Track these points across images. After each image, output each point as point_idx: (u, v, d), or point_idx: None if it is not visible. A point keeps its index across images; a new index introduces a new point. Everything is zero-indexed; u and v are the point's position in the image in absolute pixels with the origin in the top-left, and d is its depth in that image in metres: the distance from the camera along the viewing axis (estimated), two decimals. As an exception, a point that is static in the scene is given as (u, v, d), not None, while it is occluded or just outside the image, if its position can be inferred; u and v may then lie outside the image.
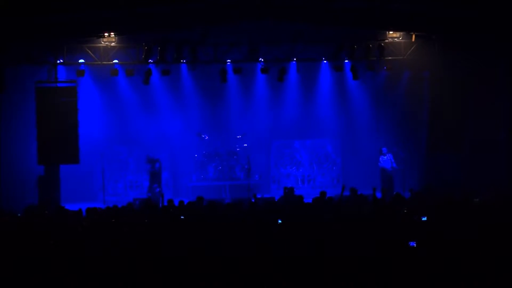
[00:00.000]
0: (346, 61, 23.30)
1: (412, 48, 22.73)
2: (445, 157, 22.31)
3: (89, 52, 21.92)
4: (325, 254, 9.75)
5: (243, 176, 24.11)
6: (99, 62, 22.10)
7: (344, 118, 25.23)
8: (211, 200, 16.41)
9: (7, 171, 20.88)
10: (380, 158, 22.66)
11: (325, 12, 20.31)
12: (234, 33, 22.11)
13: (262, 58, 22.73)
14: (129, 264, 9.68)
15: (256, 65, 23.13)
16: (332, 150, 25.32)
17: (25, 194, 20.82)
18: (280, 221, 13.02)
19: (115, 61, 22.18)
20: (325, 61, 23.96)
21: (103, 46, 21.98)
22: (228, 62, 22.92)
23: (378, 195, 17.42)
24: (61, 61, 21.86)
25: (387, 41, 22.74)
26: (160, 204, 16.72)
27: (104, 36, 21.67)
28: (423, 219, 13.02)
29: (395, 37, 22.79)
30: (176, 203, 16.26)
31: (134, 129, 24.26)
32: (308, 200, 16.54)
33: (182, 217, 13.64)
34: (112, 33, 21.55)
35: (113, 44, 21.99)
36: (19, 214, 15.57)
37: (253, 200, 16.75)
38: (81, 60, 22.09)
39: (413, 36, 22.63)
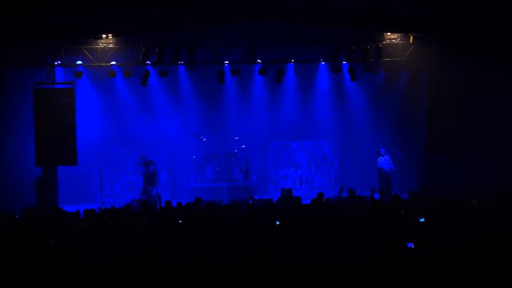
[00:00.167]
0: (344, 62, 23.30)
1: (410, 49, 22.75)
2: (443, 159, 22.32)
3: (87, 53, 21.93)
4: (323, 256, 9.75)
5: (241, 177, 24.10)
6: (97, 64, 22.10)
7: (342, 119, 25.23)
8: (209, 202, 16.40)
9: (5, 173, 20.84)
10: (378, 159, 22.66)
11: (324, 12, 20.34)
12: (231, 34, 22.12)
13: (259, 59, 22.73)
14: (127, 265, 9.67)
15: (254, 66, 23.14)
16: (330, 151, 25.31)
17: (23, 195, 20.77)
18: (278, 223, 13.02)
19: (113, 62, 22.18)
20: (323, 63, 23.96)
21: (101, 47, 21.99)
22: (226, 63, 22.92)
23: (376, 196, 17.44)
24: (59, 62, 21.87)
25: (385, 42, 22.76)
26: (158, 206, 16.72)
27: (102, 38, 21.68)
28: (421, 220, 13.03)
29: (393, 39, 22.82)
30: (174, 204, 16.26)
31: (132, 131, 24.25)
32: (306, 201, 16.55)
33: (180, 221, 13.61)
34: (110, 35, 21.56)
35: (111, 45, 21.99)
36: (17, 216, 15.56)
37: (250, 202, 16.75)
38: (79, 62, 22.09)
39: (411, 38, 22.66)
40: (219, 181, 24.18)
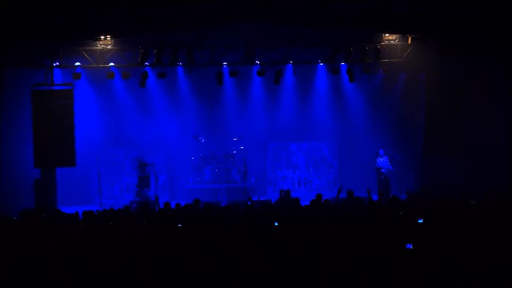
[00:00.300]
0: (343, 63, 23.31)
1: (408, 50, 22.75)
2: (441, 160, 22.33)
3: (85, 55, 21.93)
4: (321, 257, 9.75)
5: (239, 178, 24.11)
6: (95, 65, 22.10)
7: (341, 120, 25.22)
8: (207, 203, 16.39)
9: (4, 174, 20.81)
10: (377, 160, 22.70)
11: (323, 13, 20.33)
12: (230, 35, 22.12)
13: (258, 60, 22.74)
14: (126, 267, 9.67)
15: (252, 67, 23.15)
16: (328, 152, 25.32)
17: (22, 197, 20.77)
18: (276, 224, 13.02)
19: (111, 64, 22.17)
20: (321, 64, 23.95)
21: (99, 49, 21.99)
22: (225, 64, 22.93)
23: (375, 197, 17.44)
24: (58, 64, 21.87)
25: (383, 43, 22.77)
26: (156, 207, 16.70)
27: (100, 39, 21.67)
28: (419, 221, 13.02)
29: (391, 40, 22.83)
30: (173, 205, 16.26)
31: (131, 132, 24.22)
32: (304, 202, 16.54)
33: (179, 225, 13.59)
34: (108, 36, 21.55)
35: (109, 47, 21.99)
36: (15, 218, 15.54)
37: (249, 203, 16.75)
38: (77, 63, 22.08)
39: (409, 39, 22.67)
40: (217, 183, 24.17)
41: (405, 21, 20.78)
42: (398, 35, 22.71)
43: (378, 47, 22.47)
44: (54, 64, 21.78)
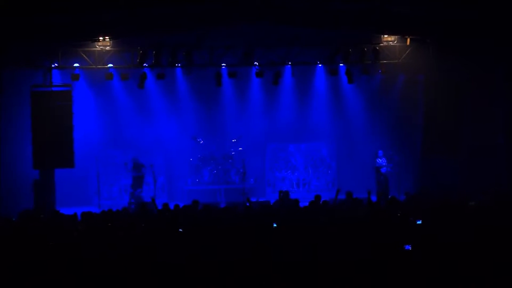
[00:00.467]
0: (341, 64, 23.31)
1: (407, 51, 22.75)
2: (440, 161, 22.33)
3: (84, 56, 21.91)
4: (320, 258, 9.74)
5: (238, 180, 24.11)
6: (94, 66, 22.09)
7: (339, 121, 25.21)
8: (206, 204, 16.39)
9: (2, 175, 20.81)
10: (377, 161, 22.73)
11: (322, 14, 20.33)
12: (229, 36, 22.13)
13: (257, 62, 22.74)
14: (124, 268, 9.66)
15: (251, 68, 23.13)
16: (327, 153, 25.32)
17: (20, 198, 20.75)
18: (275, 225, 13.02)
19: (110, 65, 22.16)
20: (320, 65, 23.97)
21: (98, 50, 21.97)
22: (223, 65, 22.92)
23: (373, 198, 17.45)
24: (56, 65, 21.84)
25: (382, 44, 22.77)
26: (154, 209, 16.68)
27: (99, 40, 21.65)
28: (418, 222, 13.02)
29: (390, 41, 22.83)
30: (172, 207, 16.25)
31: (129, 133, 24.20)
32: (303, 203, 16.53)
33: (180, 230, 13.57)
34: (107, 37, 21.53)
35: (108, 48, 21.97)
36: (14, 219, 15.53)
37: (247, 204, 16.74)
38: (76, 64, 22.09)
39: (408, 40, 22.67)
40: (216, 184, 24.16)
41: (404, 22, 20.79)
42: (397, 36, 22.72)
43: (377, 48, 22.48)
44: (53, 65, 21.75)
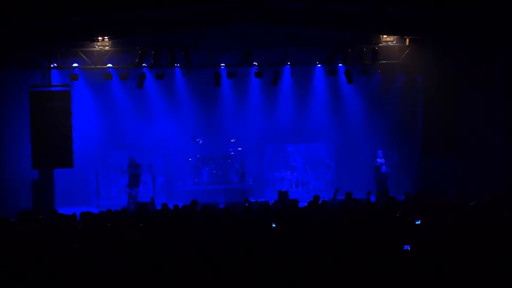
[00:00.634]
0: (340, 65, 23.32)
1: (406, 52, 22.77)
2: (439, 160, 22.34)
3: (83, 56, 21.91)
4: (319, 258, 9.74)
5: (237, 180, 24.12)
6: (93, 66, 22.08)
7: (338, 122, 25.24)
8: (205, 204, 16.39)
9: (1, 175, 20.81)
10: (376, 160, 22.76)
11: (322, 15, 20.34)
12: (228, 37, 22.15)
13: (256, 62, 22.74)
14: (123, 268, 9.66)
15: (250, 69, 23.12)
16: (326, 154, 25.34)
17: (19, 198, 20.76)
18: (274, 225, 13.01)
19: (109, 65, 22.16)
20: (319, 65, 23.99)
21: (96, 50, 21.97)
22: (222, 66, 22.92)
23: (373, 198, 17.46)
24: (55, 65, 21.83)
25: (381, 45, 22.78)
26: (152, 209, 16.68)
27: (98, 40, 21.65)
28: (417, 222, 13.02)
29: (389, 41, 22.84)
30: (171, 207, 16.25)
31: (128, 133, 24.21)
32: (302, 204, 16.54)
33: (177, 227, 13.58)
34: (106, 37, 21.53)
35: (106, 48, 21.97)
36: (12, 219, 15.52)
37: (246, 205, 16.74)
38: (75, 64, 22.08)
39: (407, 40, 22.69)
40: (215, 184, 24.17)
41: (403, 23, 20.79)
42: (396, 36, 22.73)
43: (376, 48, 22.49)
44: (52, 65, 21.72)
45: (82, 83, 22.87)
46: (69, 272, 9.57)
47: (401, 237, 10.89)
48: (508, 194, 16.75)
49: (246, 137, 24.70)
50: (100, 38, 21.53)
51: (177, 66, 22.83)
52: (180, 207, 16.36)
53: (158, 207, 16.33)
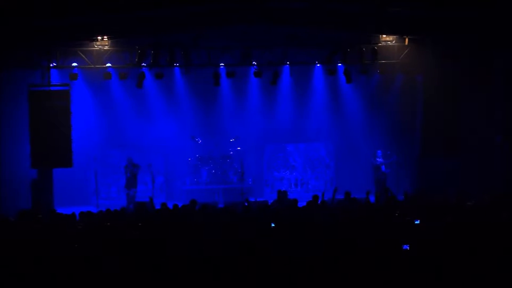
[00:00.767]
0: (339, 64, 23.31)
1: (406, 51, 22.77)
2: (438, 160, 22.33)
3: (82, 55, 21.89)
4: (318, 257, 9.74)
5: (236, 179, 24.11)
6: (92, 66, 22.07)
7: (338, 121, 25.24)
8: (204, 204, 16.39)
9: (0, 175, 20.80)
10: (376, 160, 22.76)
11: (322, 15, 20.34)
12: (227, 36, 22.14)
13: (255, 61, 22.72)
14: (122, 268, 9.66)
15: (249, 68, 23.11)
16: (325, 153, 25.33)
17: (18, 198, 20.75)
18: (273, 225, 13.02)
19: (108, 64, 22.14)
20: (318, 65, 23.97)
21: (96, 49, 21.95)
22: (222, 65, 22.90)
23: (372, 198, 17.45)
24: (54, 64, 21.81)
25: (380, 44, 22.77)
26: (151, 208, 16.67)
27: (97, 40, 21.63)
28: (416, 222, 13.02)
29: (388, 41, 22.84)
30: (170, 206, 16.24)
31: (127, 133, 24.21)
32: (301, 203, 16.54)
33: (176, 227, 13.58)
34: (105, 37, 21.52)
35: (106, 47, 21.96)
36: (11, 219, 15.50)
37: (246, 204, 16.74)
38: (74, 64, 22.06)
39: (406, 40, 22.68)
40: (214, 184, 24.16)
41: (403, 22, 20.79)
42: (395, 36, 22.72)
43: (375, 48, 22.47)
44: (51, 65, 21.71)
45: (81, 82, 22.86)
46: (68, 272, 9.57)
47: (400, 237, 10.90)
48: (507, 194, 16.76)
49: (245, 137, 24.70)
50: (99, 37, 21.51)
51: (176, 65, 22.81)
52: (179, 206, 16.36)
53: (157, 207, 16.33)
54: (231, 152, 24.47)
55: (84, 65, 22.10)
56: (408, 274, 9.19)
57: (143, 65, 22.15)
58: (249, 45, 22.13)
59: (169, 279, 9.29)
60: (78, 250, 10.96)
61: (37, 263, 9.96)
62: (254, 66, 22.83)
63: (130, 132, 24.19)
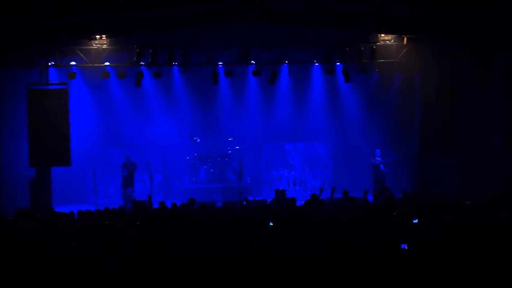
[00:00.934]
0: (338, 63, 23.30)
1: (404, 50, 22.76)
2: (437, 160, 22.34)
3: (81, 54, 21.86)
4: (316, 256, 9.74)
5: (234, 178, 24.11)
6: (91, 65, 22.03)
7: (336, 120, 25.23)
8: (202, 203, 16.39)
9: (-1, 174, 20.85)
10: (376, 159, 22.76)
11: (321, 14, 20.33)
12: (226, 35, 22.13)
13: (253, 60, 22.71)
14: (121, 267, 9.65)
15: (248, 67, 23.11)
16: (324, 152, 25.32)
17: (17, 197, 20.73)
18: (271, 224, 13.02)
19: (107, 63, 22.12)
20: (316, 64, 23.97)
21: (94, 48, 21.92)
22: (220, 64, 22.88)
23: (370, 197, 17.46)
24: (53, 63, 21.78)
25: (378, 43, 22.75)
26: (149, 207, 16.67)
27: (96, 38, 21.62)
28: (414, 221, 13.03)
29: (387, 40, 22.83)
30: (168, 205, 16.25)
31: (126, 132, 24.21)
32: (299, 202, 16.55)
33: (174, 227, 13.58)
34: (104, 35, 21.51)
35: (104, 46, 21.93)
36: (9, 217, 15.50)
37: (244, 203, 16.75)
38: (73, 63, 22.03)
39: (405, 39, 22.68)
40: (213, 182, 24.15)
41: (403, 22, 20.78)
42: (393, 35, 22.71)
43: (374, 47, 22.45)
44: (50, 64, 21.70)
45: (80, 81, 22.84)
46: (67, 271, 9.57)
47: (399, 236, 10.90)
48: (506, 193, 16.77)
49: (244, 136, 24.70)
50: (97, 36, 21.49)
51: (175, 64, 22.80)
52: (177, 205, 16.36)
53: (155, 205, 16.34)
54: (230, 151, 24.47)
55: (82, 64, 22.06)
56: (407, 273, 9.19)
57: (142, 64, 22.12)
58: (249, 45, 22.10)
59: (168, 278, 9.29)
60: (77, 249, 10.96)
61: (36, 262, 9.96)
62: (253, 65, 22.81)
63: (129, 131, 24.19)
